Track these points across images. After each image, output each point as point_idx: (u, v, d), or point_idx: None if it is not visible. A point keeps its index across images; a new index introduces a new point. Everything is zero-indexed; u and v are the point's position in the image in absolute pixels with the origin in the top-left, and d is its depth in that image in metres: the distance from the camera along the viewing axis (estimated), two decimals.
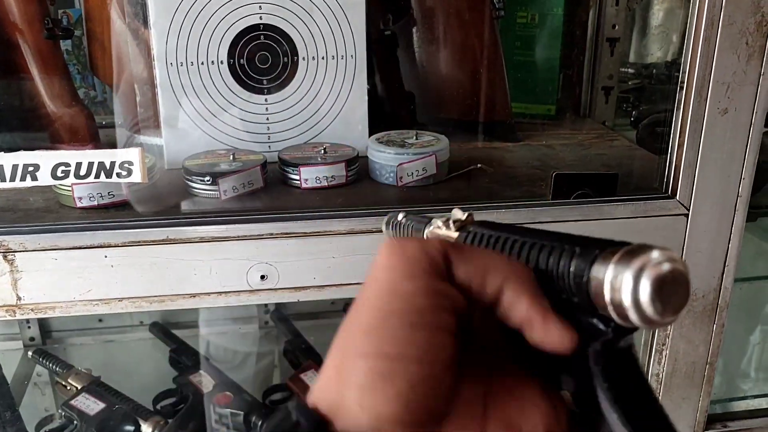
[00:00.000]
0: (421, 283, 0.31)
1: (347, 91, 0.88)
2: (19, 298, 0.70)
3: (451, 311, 0.31)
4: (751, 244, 1.34)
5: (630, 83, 1.18)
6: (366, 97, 0.89)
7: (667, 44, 1.20)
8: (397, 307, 0.30)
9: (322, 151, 0.84)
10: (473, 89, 0.97)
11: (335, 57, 0.87)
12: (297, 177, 0.81)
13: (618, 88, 1.14)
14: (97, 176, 0.70)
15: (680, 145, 0.75)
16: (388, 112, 0.97)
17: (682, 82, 0.74)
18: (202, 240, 0.70)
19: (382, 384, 0.29)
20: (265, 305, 1.29)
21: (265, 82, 0.87)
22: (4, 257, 0.68)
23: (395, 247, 0.32)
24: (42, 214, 0.76)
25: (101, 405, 1.04)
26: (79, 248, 0.69)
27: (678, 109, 0.75)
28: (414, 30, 0.96)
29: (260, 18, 0.85)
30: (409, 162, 0.80)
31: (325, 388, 0.31)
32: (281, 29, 0.85)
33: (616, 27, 1.08)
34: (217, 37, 0.84)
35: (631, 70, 1.23)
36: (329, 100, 0.89)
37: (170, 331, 1.25)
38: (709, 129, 0.74)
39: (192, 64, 0.84)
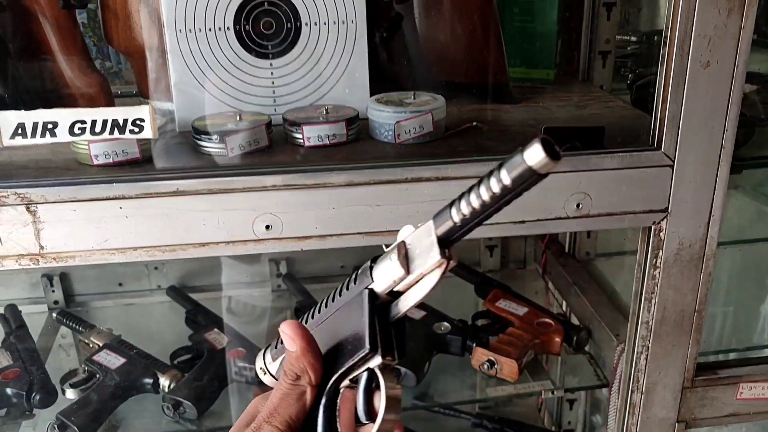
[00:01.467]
0: None
1: (348, 55, 0.93)
2: (41, 248, 0.75)
3: None
4: (751, 207, 1.37)
5: (629, 48, 1.21)
6: (366, 61, 0.93)
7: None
8: None
9: (325, 112, 0.88)
10: (471, 53, 1.00)
11: (336, 22, 0.91)
12: (300, 135, 0.85)
13: (615, 53, 1.16)
14: (111, 132, 0.74)
15: (664, 99, 0.78)
16: (388, 76, 1.01)
17: (665, 37, 0.77)
18: (210, 192, 0.75)
19: None
20: (277, 268, 1.35)
21: (270, 47, 0.91)
22: (27, 209, 0.73)
23: None
24: (61, 171, 0.81)
25: (122, 360, 1.10)
26: (96, 200, 0.74)
27: (662, 64, 0.78)
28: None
29: None
30: (407, 120, 0.85)
31: None
32: None
33: None
34: (223, 4, 0.89)
35: (631, 38, 1.26)
36: (331, 64, 0.93)
37: (186, 294, 1.30)
38: (691, 82, 0.77)
39: (200, 31, 0.89)
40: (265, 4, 0.90)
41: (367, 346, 0.46)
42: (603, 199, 0.81)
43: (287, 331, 0.49)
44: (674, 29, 0.76)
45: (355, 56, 0.93)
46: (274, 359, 0.55)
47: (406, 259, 0.45)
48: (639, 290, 0.88)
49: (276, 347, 0.55)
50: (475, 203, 0.40)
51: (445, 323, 1.15)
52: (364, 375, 0.48)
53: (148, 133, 0.75)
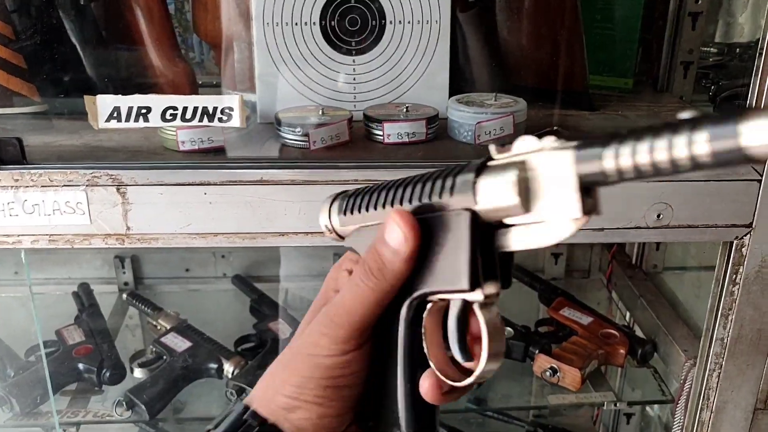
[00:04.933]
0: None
1: (431, 54, 0.93)
2: (128, 228, 0.77)
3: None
4: None
5: (711, 60, 1.18)
6: (448, 62, 0.93)
7: (753, 24, 1.20)
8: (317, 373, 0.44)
9: (405, 110, 0.89)
10: (552, 59, 1.00)
11: (420, 22, 0.92)
12: (380, 132, 0.86)
13: (698, 64, 1.14)
14: (201, 119, 0.77)
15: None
16: (469, 78, 1.01)
17: (761, 48, 0.76)
18: (292, 183, 0.76)
19: (293, 413, 0.44)
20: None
21: (353, 43, 0.92)
22: (117, 190, 0.76)
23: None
24: (149, 155, 0.83)
25: (188, 343, 1.13)
26: (182, 185, 0.76)
27: (756, 75, 0.77)
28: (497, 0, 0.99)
29: None
30: (488, 121, 0.85)
31: (262, 395, 0.46)
32: None
33: (699, 1, 1.08)
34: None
35: (713, 49, 1.24)
36: (413, 63, 0.93)
37: (251, 283, 1.33)
38: None
39: (287, 25, 0.90)
40: (352, 0, 0.91)
41: (467, 284, 0.38)
42: (685, 210, 0.80)
43: (401, 223, 0.41)
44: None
45: (437, 56, 0.93)
46: (342, 224, 0.49)
47: (526, 192, 0.35)
48: (715, 306, 0.86)
49: (349, 211, 0.48)
50: (645, 159, 0.30)
51: (508, 328, 1.15)
52: (459, 302, 0.41)
53: (236, 122, 0.77)
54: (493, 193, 0.37)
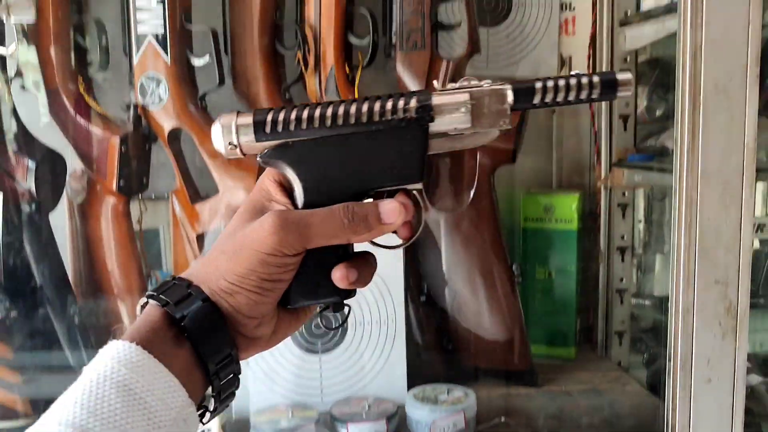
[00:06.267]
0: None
1: (389, 350, 1.04)
2: None
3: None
4: None
5: (641, 323, 1.31)
6: (405, 356, 1.05)
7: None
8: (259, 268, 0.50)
9: (367, 407, 0.98)
10: (497, 342, 1.12)
11: (378, 322, 1.04)
12: (345, 431, 0.95)
13: (631, 328, 1.27)
14: None
15: (673, 409, 0.87)
16: (425, 361, 1.12)
17: (669, 355, 0.88)
18: None
19: (232, 297, 0.50)
20: None
21: (319, 344, 1.03)
22: None
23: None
24: None
25: None
26: None
27: (668, 377, 0.88)
28: (446, 293, 1.13)
29: None
30: (442, 420, 0.94)
31: (205, 277, 0.51)
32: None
33: (623, 280, 1.24)
34: None
35: (647, 302, 1.37)
36: (373, 358, 1.04)
37: None
38: (696, 396, 0.86)
39: None
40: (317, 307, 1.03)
41: (419, 178, 0.53)
42: None
43: (404, 212, 0.52)
44: (676, 348, 0.86)
45: (395, 351, 1.05)
46: (257, 140, 0.53)
47: (471, 114, 0.52)
48: None
49: (273, 128, 0.53)
50: (560, 96, 0.52)
51: None
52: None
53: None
54: (449, 117, 0.52)
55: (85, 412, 0.43)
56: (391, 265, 1.04)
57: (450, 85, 0.54)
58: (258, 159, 0.54)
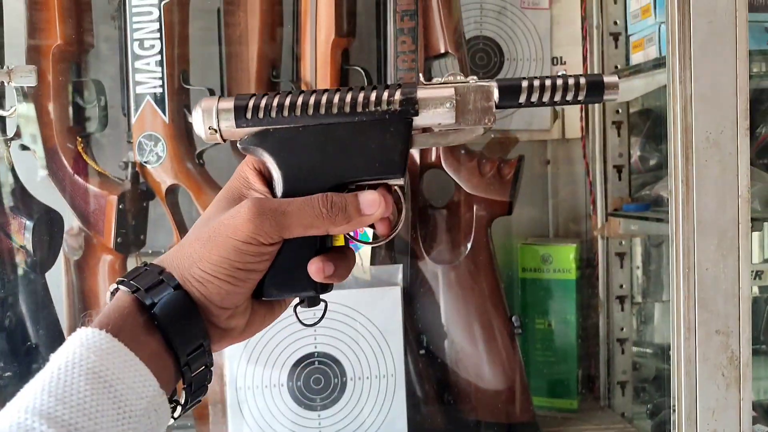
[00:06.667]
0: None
1: (389, 404, 1.03)
2: None
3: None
4: None
5: (644, 372, 1.30)
6: (405, 410, 1.03)
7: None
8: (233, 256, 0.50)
9: None
10: (499, 394, 1.10)
11: (378, 376, 1.03)
12: None
13: (634, 378, 1.26)
14: None
15: None
16: (425, 414, 1.10)
17: (673, 406, 0.87)
18: None
19: (204, 285, 0.50)
20: None
21: (318, 400, 1.02)
22: None
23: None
24: None
25: None
26: None
27: (673, 429, 0.87)
28: (446, 346, 1.12)
29: (315, 347, 1.02)
30: None
31: (178, 264, 0.51)
32: (332, 355, 1.03)
33: (624, 329, 1.23)
34: (279, 363, 1.02)
35: (649, 351, 1.36)
36: (373, 414, 1.03)
37: None
38: None
39: (257, 387, 1.01)
40: (315, 362, 1.02)
41: (400, 172, 0.52)
42: None
43: (384, 205, 0.52)
44: (680, 402, 0.85)
45: (395, 405, 1.03)
46: (238, 126, 0.53)
47: (456, 109, 0.51)
48: None
49: (254, 114, 0.53)
50: (546, 95, 0.52)
51: None
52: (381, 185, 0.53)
53: None
54: (433, 112, 0.52)
55: (53, 399, 0.41)
56: (389, 319, 1.03)
57: (435, 80, 0.53)
58: (238, 145, 0.54)
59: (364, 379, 1.03)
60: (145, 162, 1.02)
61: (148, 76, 1.00)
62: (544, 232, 1.32)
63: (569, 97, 0.52)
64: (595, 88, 0.52)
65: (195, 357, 0.49)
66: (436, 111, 0.52)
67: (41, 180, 1.07)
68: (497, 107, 0.53)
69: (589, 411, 1.23)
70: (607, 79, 0.53)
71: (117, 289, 0.50)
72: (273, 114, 0.52)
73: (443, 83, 0.53)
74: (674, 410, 0.87)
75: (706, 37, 0.77)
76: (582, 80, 0.52)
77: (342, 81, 1.04)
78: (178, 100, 1.03)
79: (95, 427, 0.41)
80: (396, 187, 0.54)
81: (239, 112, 0.53)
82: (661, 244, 1.26)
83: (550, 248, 1.22)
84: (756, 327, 1.13)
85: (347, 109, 0.52)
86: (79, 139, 1.06)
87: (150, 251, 1.15)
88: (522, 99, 0.52)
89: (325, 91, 0.53)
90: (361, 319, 1.02)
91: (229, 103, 0.53)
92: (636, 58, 1.09)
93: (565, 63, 1.24)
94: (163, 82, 1.00)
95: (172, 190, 1.05)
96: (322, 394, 1.02)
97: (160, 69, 1.00)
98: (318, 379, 1.03)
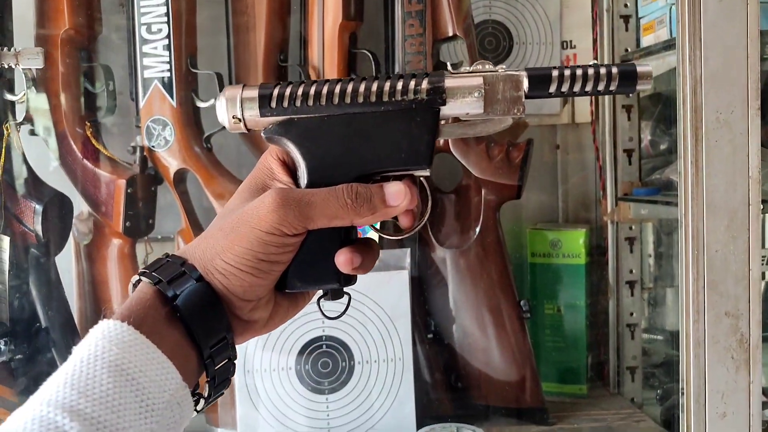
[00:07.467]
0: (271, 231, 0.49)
1: (396, 388, 1.03)
2: None
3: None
4: None
5: (653, 358, 1.30)
6: (413, 395, 1.03)
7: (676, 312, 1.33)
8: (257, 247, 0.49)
9: None
10: (507, 379, 1.10)
11: (386, 360, 1.03)
12: None
13: (643, 363, 1.25)
14: None
15: None
16: (433, 399, 1.10)
17: (682, 389, 0.86)
18: None
19: (227, 278, 0.49)
20: None
21: (326, 383, 1.02)
22: None
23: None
24: None
25: None
26: None
27: (682, 412, 0.87)
28: (454, 331, 1.12)
29: (323, 331, 1.02)
30: None
31: (201, 255, 0.49)
32: (340, 339, 1.03)
33: (633, 314, 1.22)
34: (287, 347, 1.02)
35: (659, 337, 1.36)
36: (381, 397, 1.03)
37: None
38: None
39: (266, 371, 1.01)
40: (323, 346, 1.03)
41: (426, 163, 0.51)
42: None
43: (411, 197, 0.51)
44: (689, 384, 0.85)
45: (403, 389, 1.03)
46: (261, 115, 0.52)
47: (484, 99, 0.50)
48: None
49: (279, 103, 0.52)
50: (577, 85, 0.50)
51: None
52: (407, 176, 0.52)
53: None
54: (461, 101, 0.51)
55: (75, 393, 0.41)
56: (397, 303, 1.03)
57: (464, 68, 0.52)
58: (262, 134, 0.53)
59: (372, 362, 1.03)
60: (153, 146, 1.03)
61: (155, 60, 1.00)
62: (553, 217, 1.31)
63: (600, 87, 0.50)
64: (628, 78, 0.50)
65: (218, 350, 0.48)
66: (464, 100, 0.51)
67: (50, 165, 1.08)
68: (527, 97, 0.51)
69: (599, 396, 1.23)
70: (640, 68, 0.50)
71: (139, 281, 0.49)
72: (297, 103, 0.51)
73: (471, 72, 0.51)
74: (683, 393, 0.87)
75: (716, 16, 0.77)
76: (614, 70, 0.50)
77: (350, 65, 1.04)
78: (186, 84, 1.03)
79: (118, 420, 0.41)
80: (422, 179, 0.53)
81: (263, 101, 0.52)
82: (671, 231, 1.25)
83: (560, 233, 1.21)
84: (767, 311, 1.12)
85: (373, 98, 0.51)
86: (88, 124, 1.06)
87: (159, 236, 1.16)
88: (552, 89, 0.51)
89: (351, 79, 0.51)
90: (369, 303, 1.02)
91: (253, 92, 0.52)
92: (647, 40, 1.08)
93: (575, 47, 1.23)
94: (170, 66, 1.00)
95: (180, 175, 1.06)
96: (330, 378, 1.03)
97: (167, 53, 1.00)
98: (326, 363, 1.03)
